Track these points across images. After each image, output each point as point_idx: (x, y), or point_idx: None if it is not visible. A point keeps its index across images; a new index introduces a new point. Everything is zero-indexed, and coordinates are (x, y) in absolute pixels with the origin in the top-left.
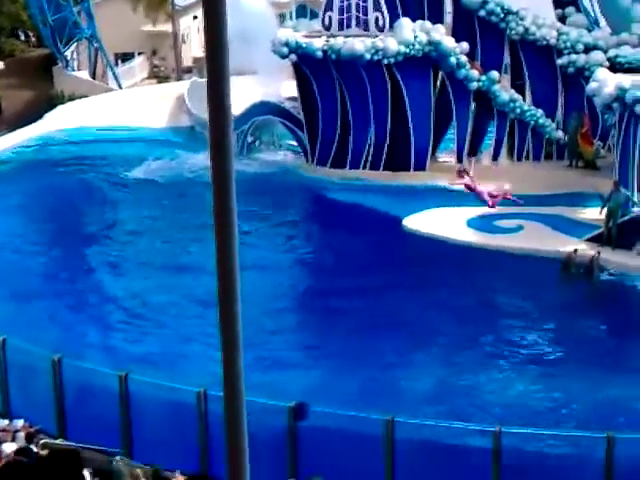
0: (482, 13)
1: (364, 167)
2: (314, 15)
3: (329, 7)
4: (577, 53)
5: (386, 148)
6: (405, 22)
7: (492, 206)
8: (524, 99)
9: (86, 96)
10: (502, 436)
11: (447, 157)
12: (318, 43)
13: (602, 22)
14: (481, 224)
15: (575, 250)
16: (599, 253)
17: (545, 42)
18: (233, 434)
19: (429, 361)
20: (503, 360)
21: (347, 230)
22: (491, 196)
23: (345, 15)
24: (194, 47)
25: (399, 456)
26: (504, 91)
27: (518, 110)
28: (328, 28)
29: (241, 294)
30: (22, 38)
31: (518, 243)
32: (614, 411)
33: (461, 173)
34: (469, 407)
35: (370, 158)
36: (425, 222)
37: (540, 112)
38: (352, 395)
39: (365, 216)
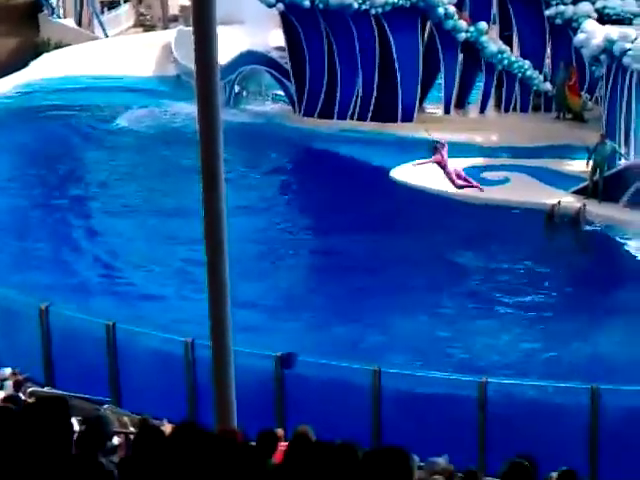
0: None
1: (351, 118)
2: None
3: None
4: (565, 4)
5: (373, 99)
6: None
7: (458, 187)
8: (512, 50)
9: (72, 44)
10: (488, 386)
11: (434, 108)
12: None
13: None
14: (468, 175)
15: (559, 202)
16: (585, 205)
17: None
18: (221, 383)
19: (414, 309)
20: (488, 309)
21: (334, 180)
22: (458, 176)
23: None
24: None
25: (385, 406)
26: (492, 42)
27: (506, 62)
28: None
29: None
30: None
31: (504, 195)
32: (598, 360)
33: (436, 149)
34: (456, 356)
35: (358, 109)
36: (412, 173)
37: (528, 64)
38: (335, 343)
39: (352, 167)
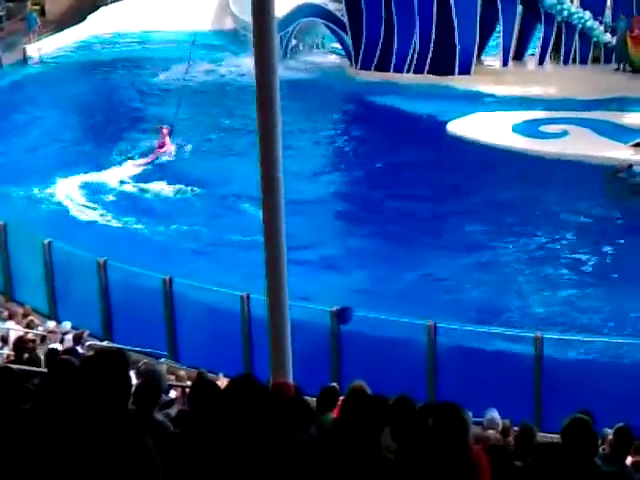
0: None
1: (408, 71)
2: None
3: None
4: None
5: (431, 51)
6: None
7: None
8: (572, 1)
9: None
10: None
11: (492, 61)
12: None
13: None
14: (526, 129)
15: (630, 166)
16: None
17: None
18: (277, 337)
19: (470, 262)
20: (545, 265)
21: (390, 133)
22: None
23: None
24: None
25: (439, 360)
26: None
27: (565, 12)
28: None
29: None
30: None
31: (563, 148)
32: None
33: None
34: (509, 312)
35: (414, 61)
36: (469, 126)
37: (588, 14)
38: (389, 295)
39: (409, 120)
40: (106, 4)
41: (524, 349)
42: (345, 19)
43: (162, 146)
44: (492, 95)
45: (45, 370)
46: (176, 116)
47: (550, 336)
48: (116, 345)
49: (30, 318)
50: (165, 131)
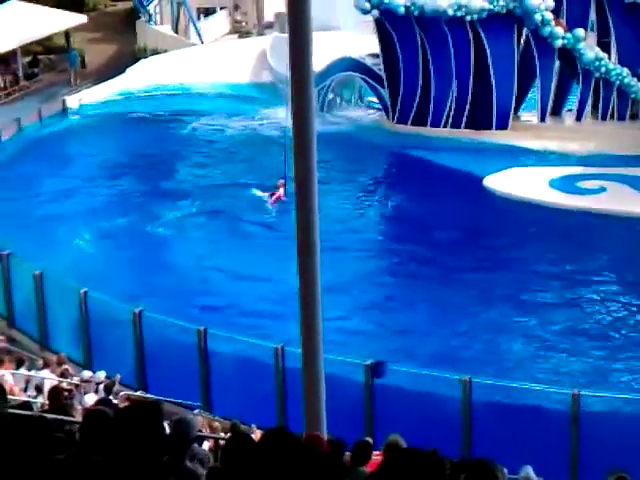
0: None
1: (445, 125)
2: None
3: None
4: None
5: (468, 106)
6: None
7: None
8: (610, 58)
9: (168, 50)
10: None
11: (530, 116)
12: None
13: None
14: (563, 184)
15: None
16: None
17: None
18: (311, 390)
19: (503, 320)
20: (586, 325)
21: (427, 188)
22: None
23: None
24: (276, 2)
25: (475, 416)
26: (589, 49)
27: (603, 69)
28: None
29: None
30: None
31: (601, 204)
32: None
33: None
34: (548, 372)
35: (451, 116)
36: (506, 182)
37: (626, 71)
38: (420, 351)
39: (445, 175)
40: (146, 57)
41: (561, 406)
42: (382, 73)
43: (278, 198)
44: (529, 150)
45: (80, 420)
46: (285, 167)
47: (588, 393)
48: (150, 395)
49: (65, 367)
50: (281, 183)
